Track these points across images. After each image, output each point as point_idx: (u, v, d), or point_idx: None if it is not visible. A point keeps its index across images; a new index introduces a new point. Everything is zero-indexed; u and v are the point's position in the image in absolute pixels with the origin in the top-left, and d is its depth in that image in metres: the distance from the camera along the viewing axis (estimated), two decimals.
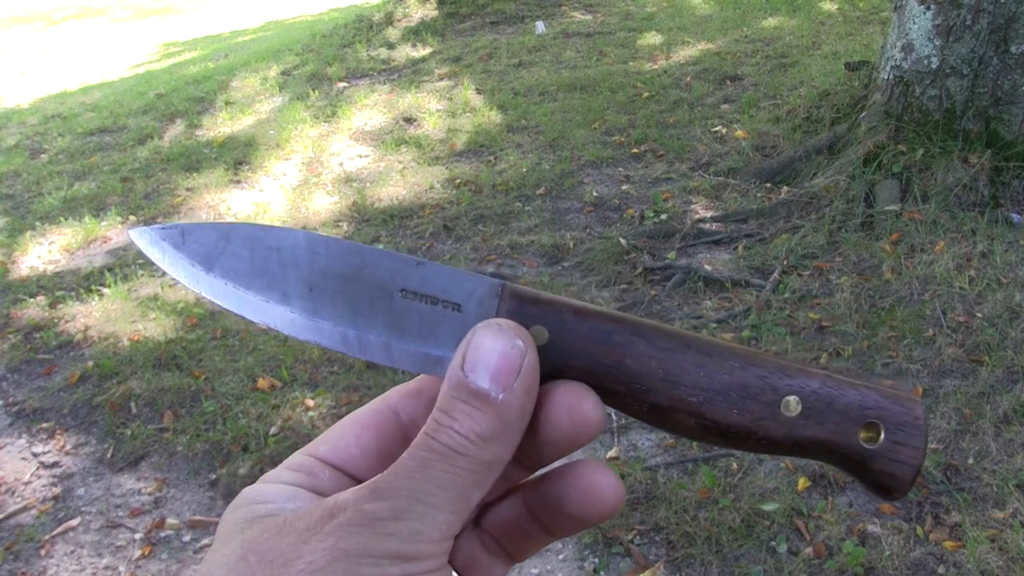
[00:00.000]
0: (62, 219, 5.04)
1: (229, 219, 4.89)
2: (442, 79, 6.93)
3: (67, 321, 3.92)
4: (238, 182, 5.39)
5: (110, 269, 4.37)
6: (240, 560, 0.35)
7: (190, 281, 0.44)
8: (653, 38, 7.41)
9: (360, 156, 5.59)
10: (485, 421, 0.36)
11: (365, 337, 0.42)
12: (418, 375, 0.44)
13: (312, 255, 0.43)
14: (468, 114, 6.01)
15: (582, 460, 0.42)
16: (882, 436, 0.41)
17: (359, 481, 0.42)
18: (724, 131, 5.18)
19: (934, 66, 3.96)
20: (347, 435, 0.44)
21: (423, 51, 7.88)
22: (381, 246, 4.34)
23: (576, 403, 0.39)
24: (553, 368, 0.41)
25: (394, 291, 0.42)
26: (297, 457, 0.44)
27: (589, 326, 0.41)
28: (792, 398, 0.41)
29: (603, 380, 0.41)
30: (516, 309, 0.41)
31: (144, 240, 0.46)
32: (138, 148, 6.25)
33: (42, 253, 4.71)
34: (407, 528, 0.35)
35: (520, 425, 0.38)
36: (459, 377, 0.37)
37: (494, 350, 0.37)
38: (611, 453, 2.73)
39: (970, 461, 2.51)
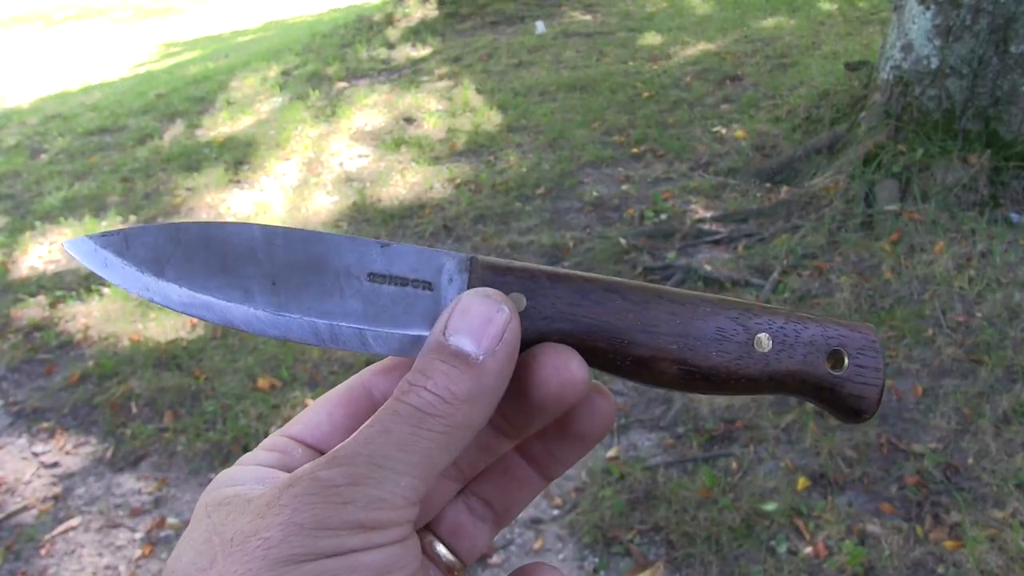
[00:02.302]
0: (62, 219, 5.04)
1: (229, 219, 4.89)
2: (442, 79, 6.93)
3: (67, 321, 3.92)
4: (238, 182, 5.39)
5: None
6: (205, 543, 0.35)
7: (140, 289, 0.42)
8: (653, 38, 7.41)
9: (360, 156, 5.59)
10: (463, 381, 0.36)
11: (336, 327, 0.41)
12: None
13: (270, 247, 0.41)
14: (468, 114, 6.01)
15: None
16: (846, 362, 0.43)
17: None
18: (724, 131, 5.19)
19: (934, 66, 3.96)
20: (319, 413, 0.43)
21: (423, 51, 7.88)
22: None
23: (563, 363, 0.39)
24: (535, 333, 0.41)
25: (361, 276, 0.41)
26: (271, 438, 0.43)
27: (564, 288, 0.41)
28: (763, 335, 0.43)
29: (584, 339, 0.41)
30: (489, 280, 0.41)
31: (81, 251, 0.43)
32: (138, 148, 6.25)
33: (42, 253, 4.71)
34: (364, 495, 0.33)
35: (497, 391, 0.37)
36: (440, 340, 0.37)
37: (479, 314, 0.37)
38: (611, 453, 2.73)
39: (970, 461, 2.51)
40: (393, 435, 0.35)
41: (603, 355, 0.42)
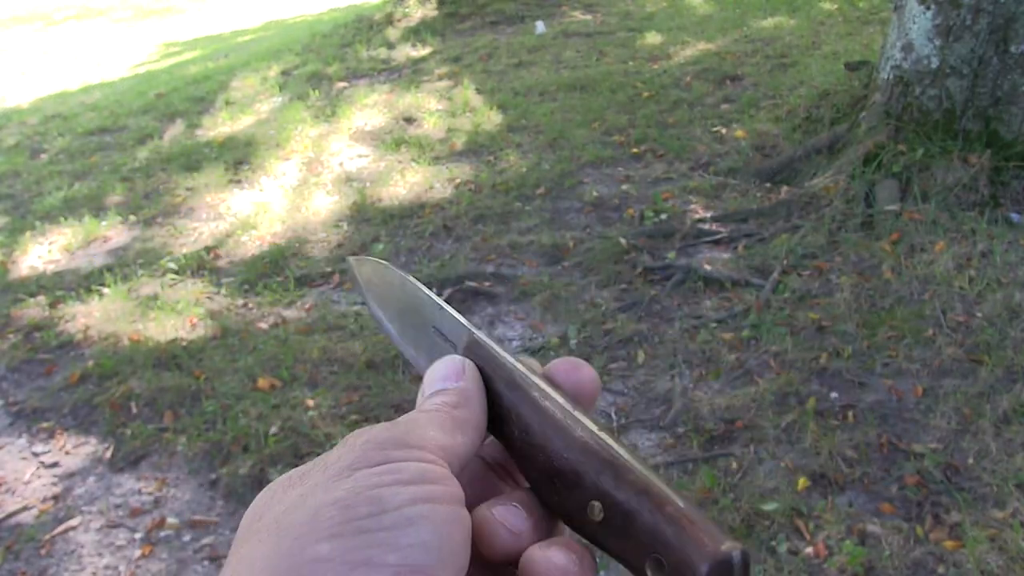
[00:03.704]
0: (62, 219, 5.04)
1: (229, 219, 4.89)
2: (442, 79, 6.93)
3: (67, 321, 3.92)
4: (238, 182, 5.39)
5: (110, 269, 4.37)
6: (267, 490, 0.40)
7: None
8: (653, 38, 7.41)
9: (360, 156, 5.59)
10: (451, 396, 0.44)
11: (408, 350, 0.54)
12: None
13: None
14: (468, 114, 6.01)
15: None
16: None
17: None
18: (724, 131, 5.19)
19: (934, 66, 3.96)
20: None
21: (423, 51, 7.88)
22: (381, 246, 4.35)
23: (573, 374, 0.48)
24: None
25: (430, 328, 0.52)
26: None
27: (516, 396, 0.45)
28: (597, 503, 0.39)
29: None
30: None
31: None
32: (138, 148, 6.25)
33: (42, 253, 4.71)
34: (407, 430, 0.40)
35: (478, 399, 0.45)
36: (422, 398, 0.46)
37: (440, 367, 0.47)
38: None
39: (970, 461, 2.51)
40: (419, 415, 0.43)
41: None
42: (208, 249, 4.51)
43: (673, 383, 3.04)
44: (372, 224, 4.59)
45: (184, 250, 4.51)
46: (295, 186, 5.23)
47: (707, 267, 3.72)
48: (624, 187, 4.65)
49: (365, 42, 8.33)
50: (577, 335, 3.40)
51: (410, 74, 7.20)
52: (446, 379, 0.46)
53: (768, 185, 4.44)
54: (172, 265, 4.33)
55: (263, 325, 3.74)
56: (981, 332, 3.01)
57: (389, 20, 8.86)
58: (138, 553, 2.59)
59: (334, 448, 0.40)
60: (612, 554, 0.39)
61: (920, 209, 3.77)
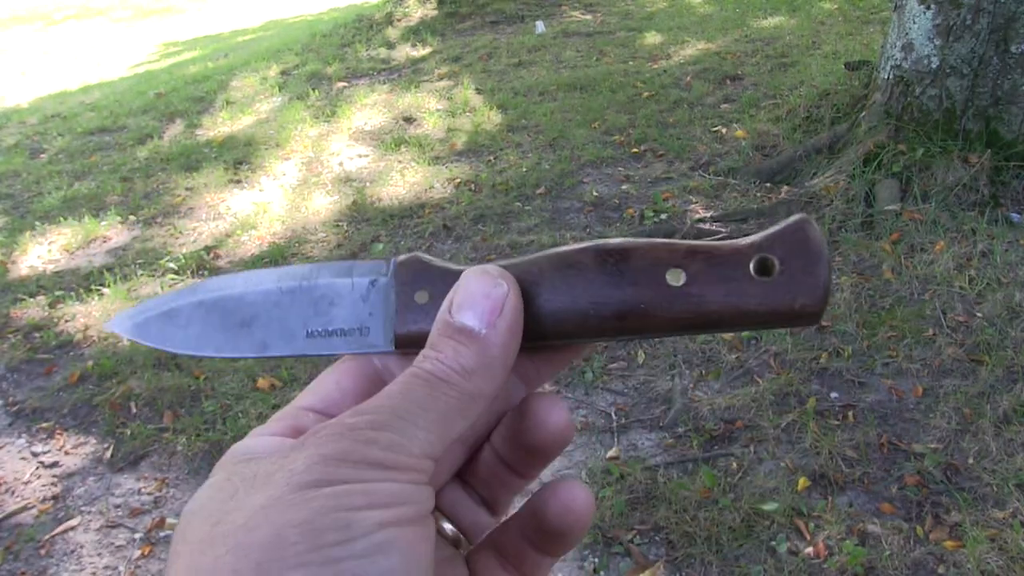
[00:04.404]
0: (62, 219, 5.03)
1: (229, 219, 4.89)
2: (442, 79, 6.93)
3: (67, 321, 3.92)
4: (238, 182, 5.39)
5: (110, 269, 4.37)
6: (225, 481, 0.36)
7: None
8: (653, 38, 7.41)
9: (360, 156, 5.59)
10: (469, 355, 0.39)
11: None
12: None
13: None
14: (468, 114, 6.01)
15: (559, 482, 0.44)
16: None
17: None
18: (724, 131, 5.18)
19: (934, 66, 3.96)
20: (326, 383, 0.45)
21: (423, 51, 7.88)
22: (380, 247, 4.35)
23: (547, 413, 0.43)
24: None
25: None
26: (280, 411, 0.45)
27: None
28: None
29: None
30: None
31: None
32: (138, 148, 6.25)
33: (42, 253, 4.71)
34: (386, 438, 0.35)
35: (504, 361, 0.39)
36: (445, 318, 0.40)
37: (478, 291, 0.40)
38: (611, 453, 2.73)
39: (970, 461, 2.51)
40: (413, 394, 0.37)
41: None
42: (208, 249, 4.51)
43: (673, 383, 3.04)
44: (372, 224, 4.59)
45: (184, 250, 4.51)
46: (295, 186, 5.23)
47: None
48: (624, 187, 4.65)
49: (365, 42, 8.33)
50: None
51: (410, 74, 7.20)
52: (477, 315, 0.39)
53: (768, 185, 4.43)
54: (172, 265, 4.33)
55: None
56: (981, 332, 3.01)
57: (389, 20, 8.86)
58: (138, 553, 2.58)
59: (301, 441, 0.37)
60: (713, 312, 0.39)
61: (920, 209, 3.77)
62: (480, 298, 0.40)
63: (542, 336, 0.41)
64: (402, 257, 0.45)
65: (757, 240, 0.40)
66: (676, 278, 0.39)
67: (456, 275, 0.42)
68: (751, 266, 0.39)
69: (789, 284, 0.39)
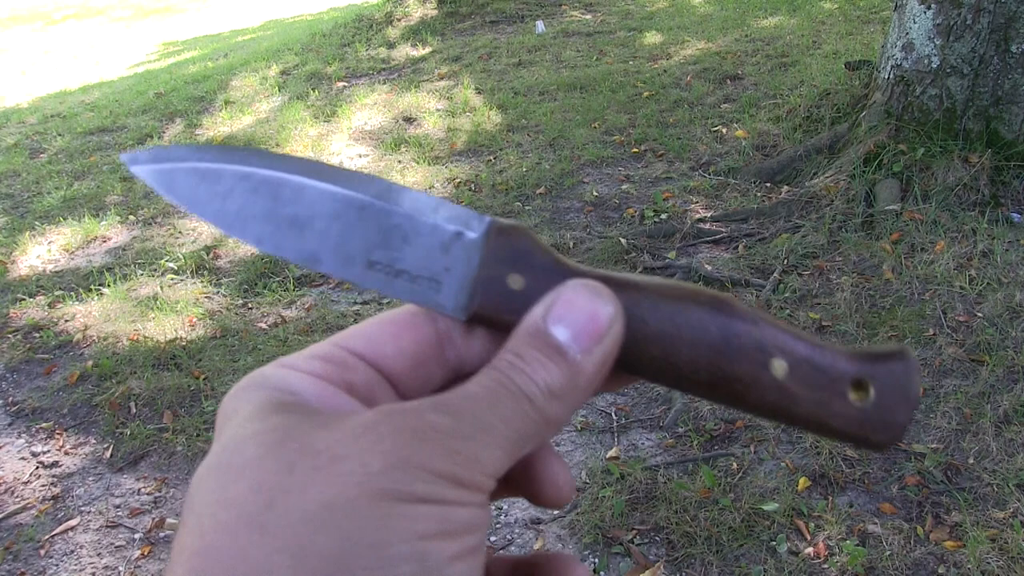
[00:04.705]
0: (61, 219, 5.03)
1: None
2: (442, 79, 6.93)
3: (67, 321, 3.91)
4: None
5: (109, 269, 4.37)
6: (279, 444, 0.31)
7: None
8: (653, 37, 7.41)
9: (360, 156, 5.58)
10: (558, 377, 0.35)
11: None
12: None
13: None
14: (468, 114, 6.00)
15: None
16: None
17: (393, 383, 0.39)
18: (724, 131, 5.18)
19: (934, 65, 3.96)
20: (382, 332, 0.40)
21: (423, 50, 7.87)
22: None
23: (553, 477, 0.40)
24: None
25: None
26: (325, 346, 0.39)
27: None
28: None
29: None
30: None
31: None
32: (138, 148, 6.25)
33: (41, 253, 4.71)
34: (468, 451, 0.32)
35: (587, 391, 0.36)
36: (539, 326, 0.36)
37: (585, 308, 0.36)
38: (611, 453, 2.73)
39: (970, 461, 2.50)
40: (499, 407, 0.34)
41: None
42: (208, 249, 4.50)
43: None
44: None
45: (184, 250, 4.51)
46: None
47: (707, 267, 3.71)
48: (624, 187, 4.65)
49: (365, 42, 8.33)
50: None
51: (410, 74, 7.19)
52: (575, 335, 0.35)
53: (768, 185, 4.43)
54: (172, 265, 4.33)
55: (263, 325, 3.73)
56: (982, 332, 3.01)
57: (389, 20, 8.86)
58: (137, 553, 2.58)
59: (375, 423, 0.32)
60: (798, 411, 0.38)
61: (920, 209, 3.77)
62: (584, 318, 0.36)
63: (623, 367, 0.38)
64: (504, 222, 0.40)
65: (863, 363, 0.39)
66: (779, 370, 0.38)
67: (562, 273, 0.38)
68: (848, 383, 0.38)
69: (875, 417, 0.38)
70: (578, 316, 0.35)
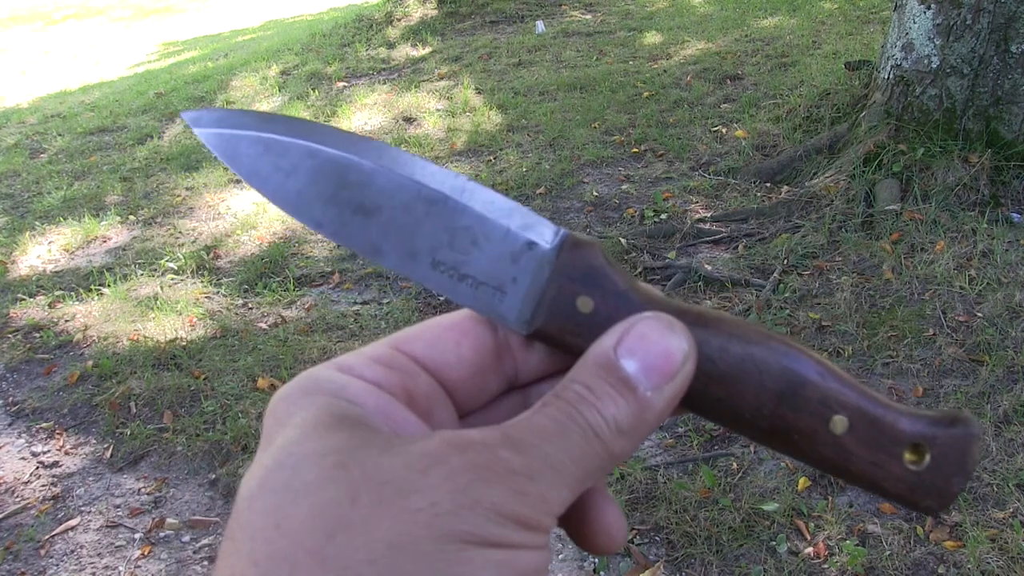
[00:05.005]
0: (62, 219, 5.03)
1: (229, 219, 4.88)
2: (442, 79, 6.93)
3: (67, 321, 3.92)
4: (238, 182, 5.39)
5: (110, 269, 4.37)
6: (341, 468, 0.30)
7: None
8: (653, 38, 7.41)
9: None
10: (627, 413, 0.34)
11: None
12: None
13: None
14: (468, 114, 6.01)
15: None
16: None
17: (449, 391, 0.38)
18: (724, 131, 5.18)
19: (934, 65, 3.96)
20: (445, 338, 0.38)
21: (423, 51, 7.87)
22: None
23: (606, 527, 0.39)
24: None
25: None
26: (383, 349, 0.37)
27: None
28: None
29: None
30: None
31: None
32: (138, 148, 6.25)
33: (42, 253, 4.71)
34: (538, 493, 0.31)
35: (652, 428, 0.35)
36: (610, 357, 0.34)
37: (659, 344, 0.34)
38: None
39: None
40: (568, 443, 0.32)
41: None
42: (208, 249, 4.50)
43: None
44: None
45: (184, 250, 4.51)
46: None
47: (707, 267, 3.71)
48: (624, 187, 4.65)
49: (365, 42, 8.33)
50: None
51: (410, 74, 7.20)
52: (647, 371, 0.34)
53: (768, 185, 4.43)
54: (172, 265, 4.33)
55: (263, 325, 3.74)
56: (982, 332, 3.01)
57: (389, 20, 8.86)
58: (137, 553, 2.58)
59: (444, 455, 0.30)
60: (851, 468, 0.38)
61: (920, 209, 3.77)
62: (657, 354, 0.34)
63: (682, 403, 0.37)
64: (578, 236, 0.38)
65: (924, 425, 0.38)
66: (839, 426, 0.37)
67: (635, 301, 0.37)
68: (906, 446, 0.38)
69: (927, 483, 0.38)
70: (651, 351, 0.34)
